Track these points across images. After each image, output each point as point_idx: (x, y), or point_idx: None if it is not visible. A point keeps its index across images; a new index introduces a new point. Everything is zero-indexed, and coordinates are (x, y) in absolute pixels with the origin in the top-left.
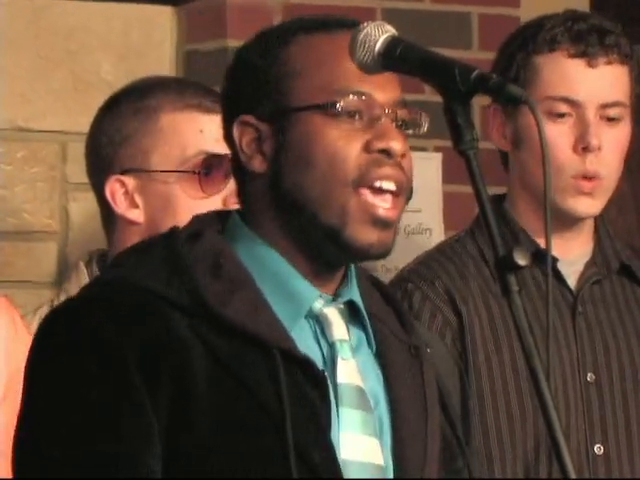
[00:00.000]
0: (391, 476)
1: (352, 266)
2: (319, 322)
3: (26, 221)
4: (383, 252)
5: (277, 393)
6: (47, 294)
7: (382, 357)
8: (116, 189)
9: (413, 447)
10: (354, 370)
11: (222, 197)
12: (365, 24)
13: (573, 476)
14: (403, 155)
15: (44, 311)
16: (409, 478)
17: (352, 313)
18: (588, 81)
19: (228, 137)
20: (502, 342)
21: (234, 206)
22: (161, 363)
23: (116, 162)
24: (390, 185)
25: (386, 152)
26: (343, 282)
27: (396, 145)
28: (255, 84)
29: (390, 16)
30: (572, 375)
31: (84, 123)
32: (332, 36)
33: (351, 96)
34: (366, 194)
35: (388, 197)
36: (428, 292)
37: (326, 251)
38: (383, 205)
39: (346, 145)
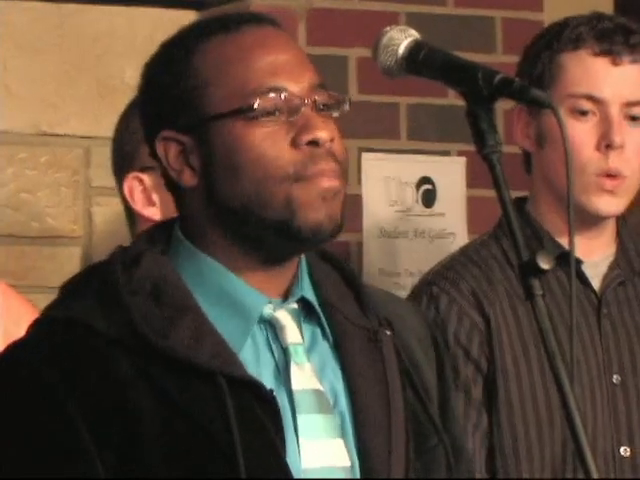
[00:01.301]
0: (358, 474)
1: (303, 261)
2: (271, 327)
3: (50, 226)
4: (334, 228)
5: (226, 423)
6: None
7: (340, 349)
8: (134, 186)
9: (377, 439)
10: (310, 373)
11: None
12: (388, 28)
13: (595, 475)
14: (332, 140)
15: None
16: (378, 479)
17: (306, 309)
18: (612, 79)
19: (154, 155)
20: (529, 345)
21: None
22: (106, 408)
23: (136, 159)
24: (328, 179)
25: (315, 143)
26: (293, 280)
27: (322, 134)
28: (168, 100)
29: (414, 20)
30: (598, 377)
31: (108, 128)
32: (233, 36)
33: (265, 94)
34: (306, 184)
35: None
36: (455, 295)
37: (279, 247)
38: (325, 180)
39: (273, 145)
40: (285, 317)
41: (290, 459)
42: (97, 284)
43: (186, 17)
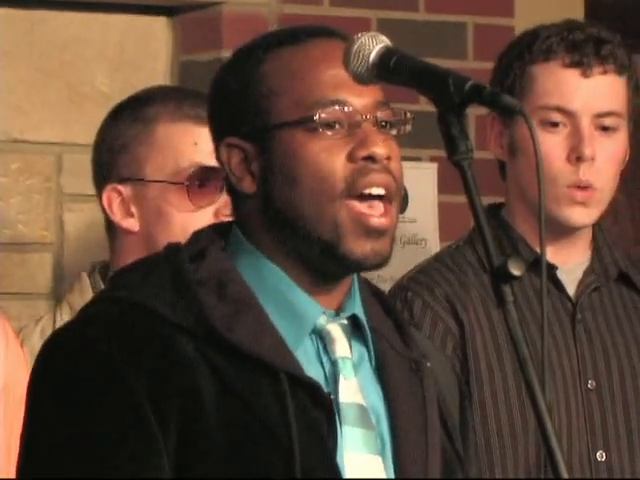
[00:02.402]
0: None
1: (356, 279)
2: (322, 338)
3: (21, 232)
4: (379, 262)
5: (284, 418)
6: (42, 305)
7: (382, 373)
8: (113, 197)
9: (414, 464)
10: (356, 388)
11: (214, 210)
12: (359, 35)
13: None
14: (389, 158)
15: (46, 321)
16: None
17: (354, 328)
18: (582, 91)
19: (219, 159)
20: (503, 350)
21: (225, 219)
22: (169, 388)
23: (114, 170)
24: (379, 191)
25: (371, 158)
26: (347, 295)
27: (379, 150)
28: (235, 107)
29: (385, 26)
30: (573, 382)
31: (79, 134)
32: (302, 48)
33: (327, 107)
34: (356, 205)
35: (378, 204)
36: (429, 300)
37: (323, 266)
38: (374, 213)
39: (329, 158)
40: (336, 330)
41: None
42: (164, 273)
43: (157, 23)
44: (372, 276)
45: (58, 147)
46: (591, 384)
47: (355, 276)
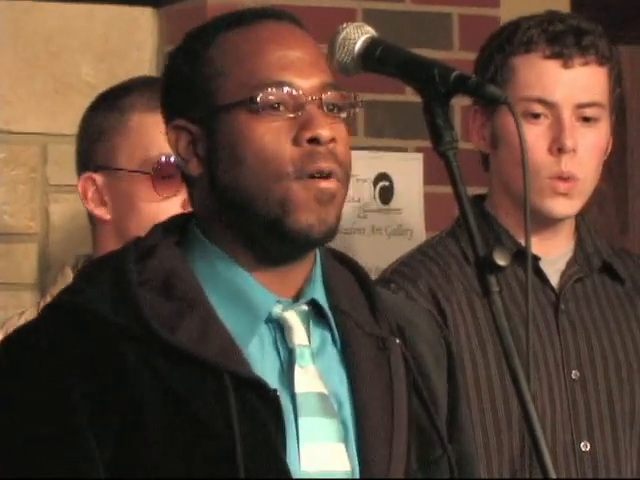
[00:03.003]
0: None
1: (318, 262)
2: (280, 327)
3: (6, 223)
4: (326, 232)
5: (227, 420)
6: (28, 296)
7: (347, 355)
8: (87, 186)
9: (378, 448)
10: (314, 376)
11: (181, 200)
12: (344, 25)
13: (552, 474)
14: (333, 140)
15: (29, 314)
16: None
17: (317, 312)
18: (563, 82)
19: (169, 143)
20: (487, 341)
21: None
22: (109, 395)
23: (91, 159)
24: (326, 181)
25: (315, 140)
26: (307, 281)
27: (323, 132)
28: (183, 89)
29: (370, 17)
30: (557, 373)
31: (65, 125)
32: (250, 29)
33: (271, 88)
34: (305, 181)
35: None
36: (412, 292)
37: (270, 245)
38: (322, 181)
39: (274, 140)
40: (293, 318)
41: (290, 461)
42: (109, 273)
43: (142, 14)
44: None
45: (43, 138)
46: (575, 374)
47: (318, 259)
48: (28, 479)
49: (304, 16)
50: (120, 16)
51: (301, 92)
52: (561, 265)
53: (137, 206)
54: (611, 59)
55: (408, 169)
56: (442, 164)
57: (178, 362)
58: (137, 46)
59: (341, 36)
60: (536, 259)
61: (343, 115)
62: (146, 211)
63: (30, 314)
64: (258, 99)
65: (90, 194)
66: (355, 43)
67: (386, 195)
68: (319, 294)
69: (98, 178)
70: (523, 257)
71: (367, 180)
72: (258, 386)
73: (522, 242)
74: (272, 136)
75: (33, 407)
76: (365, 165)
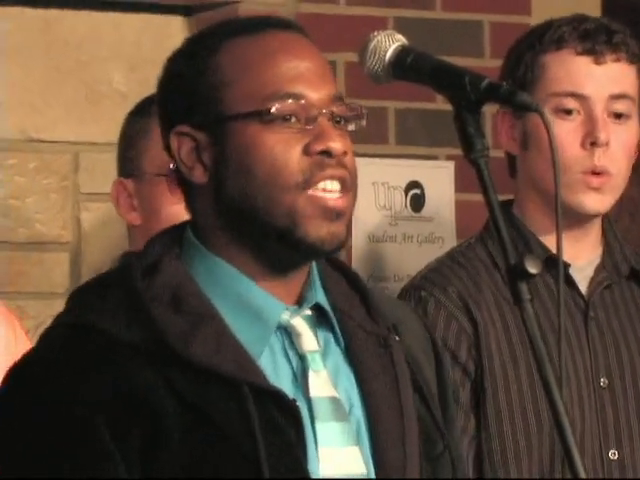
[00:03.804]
0: None
1: (314, 266)
2: (287, 334)
3: (38, 231)
4: (335, 245)
5: (249, 430)
6: (59, 305)
7: (352, 354)
8: (119, 191)
9: (392, 448)
10: (326, 380)
11: None
12: (376, 33)
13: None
14: (344, 153)
15: None
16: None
17: (319, 314)
18: (595, 76)
19: (168, 149)
20: (517, 349)
21: None
22: (128, 414)
23: (122, 165)
24: (334, 185)
25: (327, 153)
26: (306, 285)
27: (335, 145)
28: (187, 94)
29: (402, 25)
30: (586, 380)
31: (96, 133)
32: (258, 39)
33: (284, 100)
34: (313, 193)
35: (335, 190)
36: (442, 299)
37: (281, 254)
38: (331, 197)
39: (285, 151)
40: (301, 324)
41: (310, 467)
42: (116, 291)
43: (173, 23)
44: (388, 275)
45: (74, 146)
46: (603, 382)
47: (313, 263)
48: None
49: (335, 24)
50: (151, 25)
51: (313, 104)
52: (590, 272)
53: (158, 209)
54: None
55: (439, 177)
56: (473, 172)
57: (195, 376)
58: (168, 54)
59: (372, 44)
60: (566, 265)
61: (350, 127)
62: (165, 214)
63: None
64: (272, 110)
65: (122, 200)
66: (386, 51)
67: (417, 203)
68: (320, 297)
69: (128, 184)
70: (553, 264)
71: (398, 188)
72: (277, 397)
73: (552, 247)
74: (283, 147)
75: (52, 436)
76: (396, 173)
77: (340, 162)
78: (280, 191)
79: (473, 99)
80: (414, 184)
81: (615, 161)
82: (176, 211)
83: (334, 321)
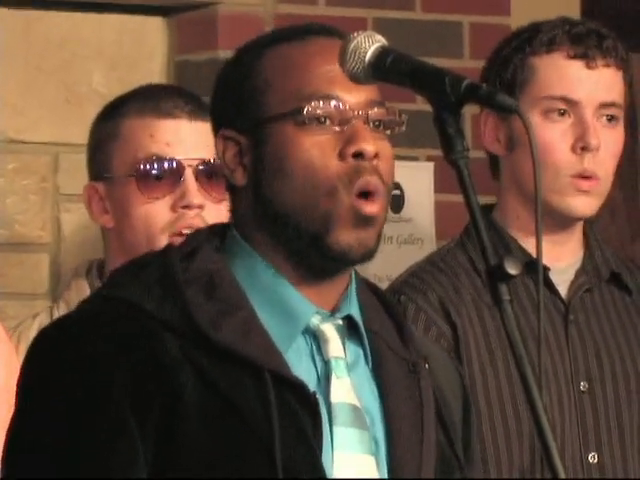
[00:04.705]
0: None
1: (353, 280)
2: (316, 338)
3: (18, 232)
4: (364, 253)
5: (267, 415)
6: (40, 305)
7: (379, 374)
8: (91, 195)
9: (408, 465)
10: (349, 388)
11: (170, 202)
12: (355, 34)
13: (562, 475)
14: (377, 156)
15: (43, 318)
16: None
17: (351, 328)
18: (587, 82)
19: (216, 152)
20: (496, 353)
21: (183, 211)
22: (150, 386)
23: (93, 168)
24: (369, 191)
25: (359, 155)
26: (343, 296)
27: (367, 147)
28: (232, 99)
29: (381, 25)
30: (566, 384)
31: (76, 134)
32: (302, 44)
33: (317, 101)
34: (347, 199)
35: (369, 199)
36: (422, 304)
37: (310, 259)
38: (365, 203)
39: (320, 154)
40: (330, 330)
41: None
42: (154, 272)
43: (152, 23)
44: (368, 275)
45: (54, 147)
46: (583, 386)
47: (353, 277)
48: (72, 468)
49: None
50: (131, 25)
51: (348, 107)
52: (570, 275)
53: (128, 210)
54: (626, 64)
55: (419, 178)
56: (453, 173)
57: (220, 358)
58: (147, 55)
59: (352, 45)
60: (545, 269)
61: (388, 132)
62: (136, 214)
63: (44, 317)
64: (304, 111)
65: (94, 203)
66: (366, 52)
67: (397, 204)
68: (355, 311)
69: (99, 187)
70: (533, 268)
71: None
72: (299, 387)
73: (532, 251)
74: (318, 150)
75: (75, 398)
76: None
77: (374, 168)
78: (315, 196)
79: (453, 100)
80: (394, 185)
81: (603, 165)
82: (147, 210)
83: (364, 336)
